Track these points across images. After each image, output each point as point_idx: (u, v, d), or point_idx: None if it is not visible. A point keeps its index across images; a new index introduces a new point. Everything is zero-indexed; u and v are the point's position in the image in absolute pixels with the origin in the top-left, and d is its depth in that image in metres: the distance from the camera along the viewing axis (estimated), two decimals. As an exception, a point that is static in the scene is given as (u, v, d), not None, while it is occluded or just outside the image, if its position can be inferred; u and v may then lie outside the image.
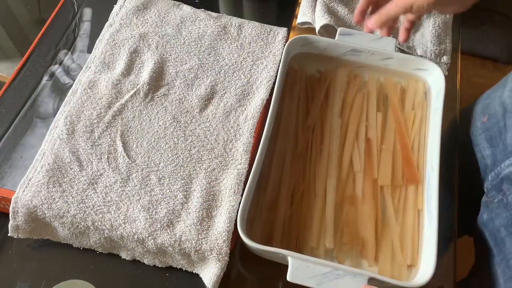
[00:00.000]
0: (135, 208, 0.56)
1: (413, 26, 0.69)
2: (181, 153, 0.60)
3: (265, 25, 0.73)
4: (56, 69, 0.69)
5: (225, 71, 0.68)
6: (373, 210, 0.59)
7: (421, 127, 0.65)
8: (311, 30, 0.76)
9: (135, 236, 0.54)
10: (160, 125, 0.62)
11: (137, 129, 0.62)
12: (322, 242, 0.57)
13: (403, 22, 0.69)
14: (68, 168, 0.58)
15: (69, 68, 0.69)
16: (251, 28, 0.72)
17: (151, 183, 0.57)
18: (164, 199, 0.56)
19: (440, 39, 0.75)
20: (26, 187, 0.56)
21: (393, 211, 0.59)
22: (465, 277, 0.69)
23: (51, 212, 0.55)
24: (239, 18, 0.74)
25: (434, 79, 0.67)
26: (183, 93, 0.65)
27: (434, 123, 0.64)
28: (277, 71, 0.66)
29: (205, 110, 0.64)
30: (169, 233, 0.54)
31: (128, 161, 0.59)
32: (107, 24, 0.72)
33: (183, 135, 0.62)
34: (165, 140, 0.61)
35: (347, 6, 0.78)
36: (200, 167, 0.59)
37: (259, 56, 0.70)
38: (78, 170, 0.58)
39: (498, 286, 0.59)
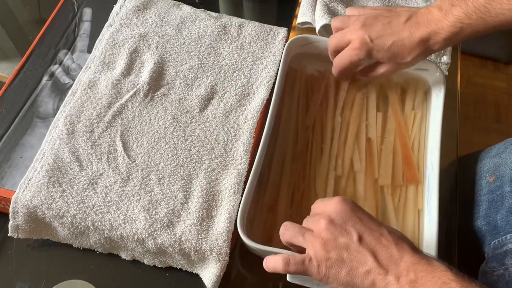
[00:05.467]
0: (135, 208, 0.56)
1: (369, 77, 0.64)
2: (181, 153, 0.60)
3: (265, 25, 0.73)
4: (56, 69, 0.69)
5: (225, 71, 0.68)
6: (373, 210, 0.59)
7: (421, 127, 0.65)
8: (311, 30, 0.76)
9: (135, 236, 0.54)
10: (160, 125, 0.62)
11: (137, 129, 0.62)
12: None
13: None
14: (68, 168, 0.58)
15: (69, 68, 0.69)
16: (251, 28, 0.72)
17: (151, 183, 0.57)
18: (164, 199, 0.56)
19: (440, 39, 0.75)
20: (26, 187, 0.56)
21: (393, 211, 0.59)
22: None
23: (51, 212, 0.55)
24: (239, 18, 0.74)
25: (434, 79, 0.67)
26: (183, 93, 0.65)
27: (434, 123, 0.64)
28: (277, 71, 0.66)
29: (205, 110, 0.64)
30: (169, 233, 0.54)
31: (128, 161, 0.59)
32: (107, 24, 0.72)
33: (183, 135, 0.62)
34: (165, 140, 0.61)
35: (347, 6, 0.78)
36: (200, 167, 0.59)
37: (259, 56, 0.70)
38: (78, 170, 0.58)
39: None
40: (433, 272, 0.42)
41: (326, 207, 0.47)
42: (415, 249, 0.45)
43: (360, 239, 0.44)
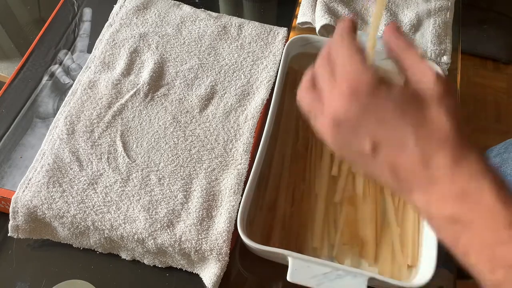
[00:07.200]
0: (135, 208, 0.56)
1: None
2: (181, 153, 0.60)
3: (265, 25, 0.73)
4: (56, 69, 0.69)
5: (225, 71, 0.68)
6: (373, 210, 0.59)
7: (421, 127, 0.65)
8: (311, 30, 0.76)
9: (135, 236, 0.54)
10: (160, 125, 0.62)
11: (137, 129, 0.62)
12: (326, 242, 0.57)
13: None
14: (68, 168, 0.58)
15: (69, 68, 0.69)
16: (251, 28, 0.72)
17: (151, 183, 0.57)
18: (164, 199, 0.56)
19: (440, 39, 0.75)
20: (26, 187, 0.56)
21: (393, 211, 0.59)
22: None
23: (51, 212, 0.55)
24: (239, 18, 0.74)
25: (434, 79, 0.67)
26: (183, 93, 0.65)
27: (434, 123, 0.64)
28: (277, 71, 0.66)
29: (205, 110, 0.64)
30: (169, 233, 0.54)
31: (128, 161, 0.59)
32: (107, 24, 0.72)
33: (183, 135, 0.62)
34: (165, 140, 0.61)
35: (347, 6, 0.78)
36: (200, 167, 0.59)
37: (259, 56, 0.70)
38: (78, 170, 0.58)
39: None
40: (479, 204, 0.32)
41: (330, 100, 0.35)
42: (456, 153, 0.32)
43: (374, 149, 0.34)
